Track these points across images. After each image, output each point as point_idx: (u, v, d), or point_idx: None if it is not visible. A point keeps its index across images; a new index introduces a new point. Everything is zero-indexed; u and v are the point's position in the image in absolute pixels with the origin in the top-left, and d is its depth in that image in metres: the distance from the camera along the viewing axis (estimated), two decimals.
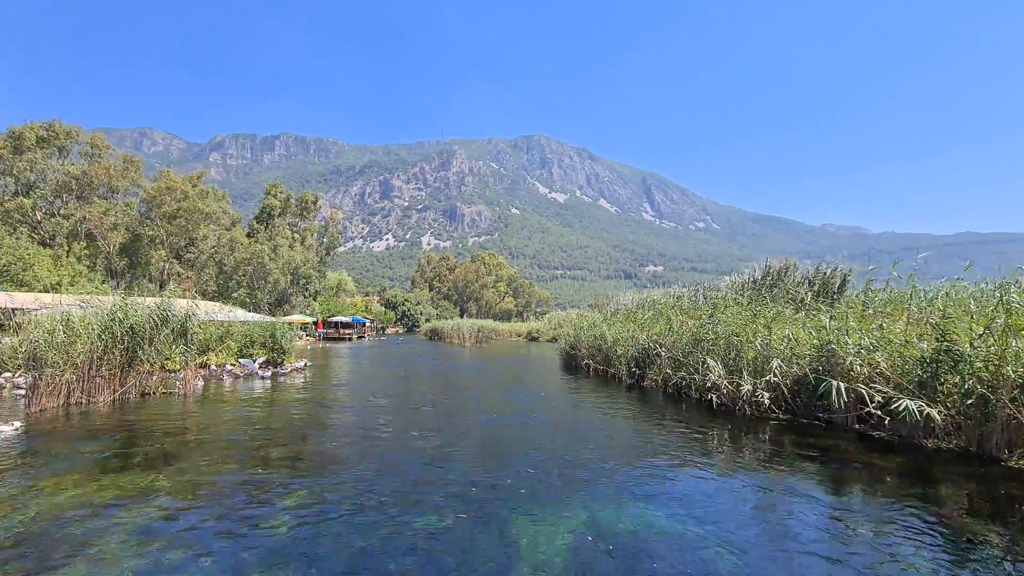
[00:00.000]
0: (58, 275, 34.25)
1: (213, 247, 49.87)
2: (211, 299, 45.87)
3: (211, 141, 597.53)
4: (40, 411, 11.20)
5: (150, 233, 45.85)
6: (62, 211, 40.96)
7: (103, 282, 39.47)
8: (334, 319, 61.05)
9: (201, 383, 15.94)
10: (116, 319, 12.85)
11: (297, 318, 52.49)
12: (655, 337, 17.33)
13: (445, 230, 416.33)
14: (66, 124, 42.04)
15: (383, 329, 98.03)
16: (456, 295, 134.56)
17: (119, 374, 13.10)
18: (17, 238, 36.25)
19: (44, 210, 40.87)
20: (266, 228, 55.89)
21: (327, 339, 57.37)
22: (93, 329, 12.27)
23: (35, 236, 39.70)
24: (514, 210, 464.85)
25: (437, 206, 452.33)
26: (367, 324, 76.12)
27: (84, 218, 40.42)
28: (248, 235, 56.76)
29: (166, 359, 15.46)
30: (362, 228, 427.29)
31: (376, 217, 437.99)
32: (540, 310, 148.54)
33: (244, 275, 49.97)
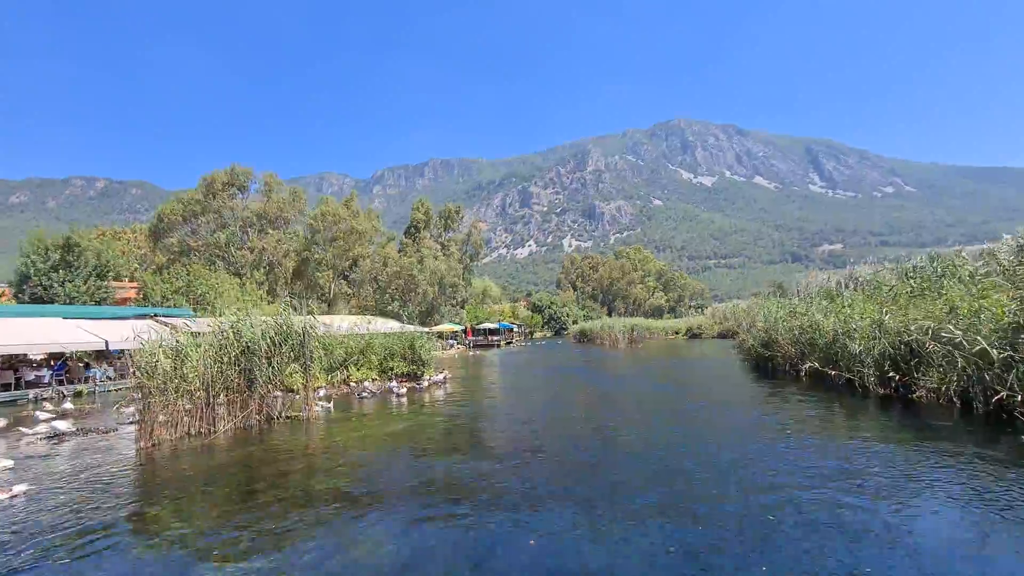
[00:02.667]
0: (243, 301, 38.06)
1: (370, 267, 52.79)
2: (370, 315, 48.22)
3: (374, 176, 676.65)
4: (152, 446, 10.00)
5: (316, 256, 49.94)
6: (247, 244, 46.33)
7: (276, 303, 43.55)
8: (482, 326, 61.01)
9: (330, 404, 14.34)
10: (229, 339, 11.49)
11: (446, 327, 53.08)
12: (932, 324, 11.29)
13: (585, 230, 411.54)
14: (243, 167, 47.81)
15: (531, 334, 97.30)
16: (602, 294, 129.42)
17: (239, 399, 11.74)
18: (215, 270, 41.35)
19: (234, 244, 46.61)
20: (413, 242, 57.95)
21: (476, 346, 57.33)
22: (205, 351, 10.98)
23: (229, 269, 45.33)
24: (656, 201, 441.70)
25: (576, 207, 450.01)
26: (514, 329, 75.47)
27: (263, 248, 45.18)
28: (400, 252, 59.44)
29: (289, 380, 14.06)
30: (505, 237, 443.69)
31: (517, 225, 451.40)
32: (695, 304, 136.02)
33: (396, 289, 51.93)
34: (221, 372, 11.31)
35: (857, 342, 13.51)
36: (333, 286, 54.50)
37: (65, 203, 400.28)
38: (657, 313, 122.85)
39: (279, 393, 12.72)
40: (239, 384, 11.69)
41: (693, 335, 61.50)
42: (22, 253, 25.36)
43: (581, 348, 49.25)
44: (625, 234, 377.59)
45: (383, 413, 13.73)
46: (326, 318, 25.26)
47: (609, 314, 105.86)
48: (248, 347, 11.73)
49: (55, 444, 11.04)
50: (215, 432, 11.13)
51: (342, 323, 23.15)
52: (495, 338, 61.56)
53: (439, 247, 60.15)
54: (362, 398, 16.34)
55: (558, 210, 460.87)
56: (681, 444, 9.11)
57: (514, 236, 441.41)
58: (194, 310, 32.58)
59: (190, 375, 10.75)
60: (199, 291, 34.49)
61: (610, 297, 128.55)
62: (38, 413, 13.98)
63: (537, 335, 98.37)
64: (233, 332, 11.66)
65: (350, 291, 53.63)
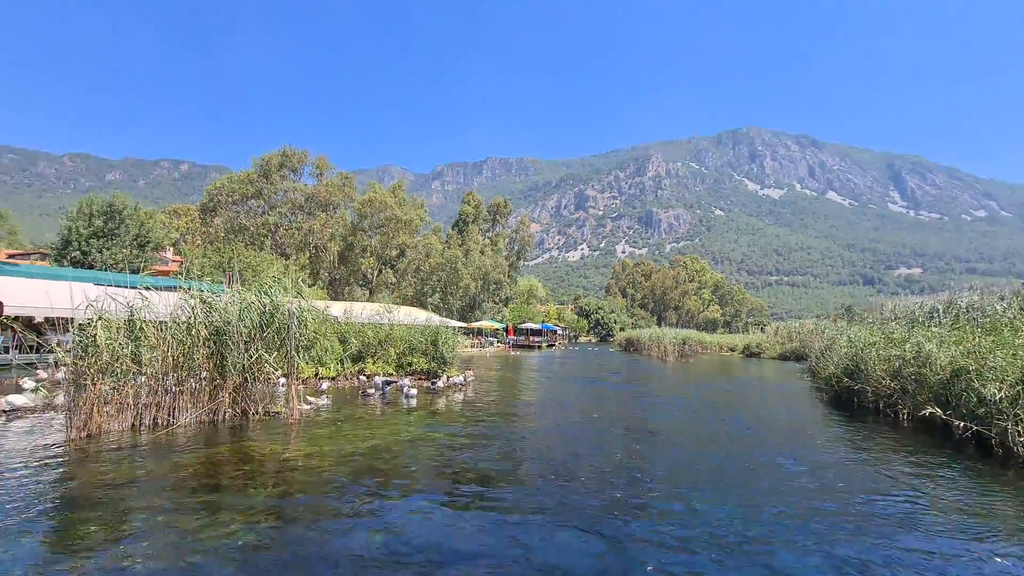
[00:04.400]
0: (284, 281, 37.58)
1: (412, 257, 51.77)
2: (408, 303, 47.05)
3: (433, 171, 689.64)
4: (87, 436, 8.31)
5: (362, 243, 49.35)
6: (295, 225, 46.28)
7: (317, 287, 43.03)
8: (524, 326, 58.77)
9: (324, 401, 12.44)
10: (195, 315, 9.75)
11: (486, 324, 51.20)
12: None
13: (640, 237, 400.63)
14: (296, 149, 47.79)
15: (575, 338, 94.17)
16: (653, 303, 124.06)
17: (208, 389, 9.99)
18: (260, 250, 41.28)
19: (284, 225, 46.68)
20: (459, 235, 56.48)
21: (517, 346, 55.11)
22: (162, 328, 9.26)
23: (276, 249, 45.35)
24: (717, 211, 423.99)
25: (632, 213, 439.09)
26: (558, 332, 72.76)
27: (310, 230, 44.91)
28: (446, 244, 58.20)
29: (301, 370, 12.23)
30: (558, 239, 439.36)
31: (571, 228, 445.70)
32: (752, 320, 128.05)
33: (439, 280, 50.58)
34: (184, 355, 9.58)
35: (995, 384, 10.12)
36: (376, 274, 53.88)
37: (153, 183, 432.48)
38: (710, 327, 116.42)
39: (259, 386, 10.86)
40: (208, 371, 9.93)
41: (751, 354, 56.48)
42: (67, 218, 25.63)
43: (626, 357, 45.93)
44: (681, 243, 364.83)
45: (376, 418, 11.66)
46: (343, 304, 23.85)
47: (659, 323, 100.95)
48: (220, 328, 9.95)
49: (5, 422, 9.69)
50: (173, 424, 9.41)
51: (363, 310, 21.52)
52: (537, 339, 59.16)
53: (487, 242, 58.43)
54: (366, 395, 14.41)
55: (613, 215, 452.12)
56: (762, 530, 6.40)
57: (567, 239, 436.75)
58: (229, 287, 32.20)
59: (145, 355, 9.04)
60: (236, 268, 34.12)
61: (661, 306, 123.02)
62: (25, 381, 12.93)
63: (582, 339, 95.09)
64: (201, 308, 9.90)
65: (394, 280, 52.84)
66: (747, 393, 21.13)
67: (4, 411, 10.04)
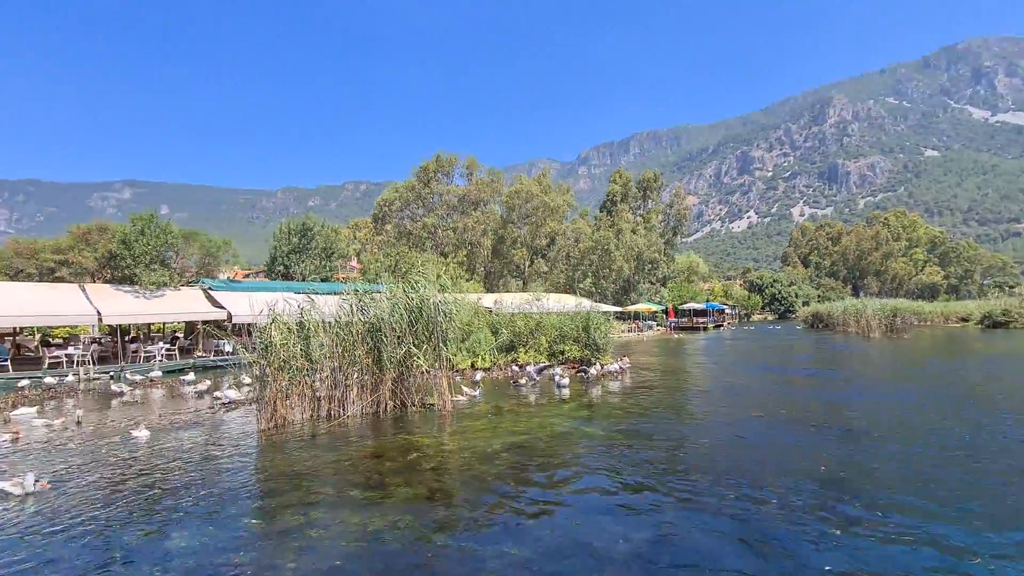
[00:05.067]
0: (444, 279, 40.37)
1: (562, 243, 51.58)
2: (561, 291, 47.02)
3: (579, 157, 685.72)
4: (273, 427, 9.34)
5: (512, 234, 50.69)
6: (451, 225, 49.42)
7: (473, 281, 45.29)
8: (686, 306, 54.61)
9: (475, 392, 12.51)
10: (353, 313, 10.38)
11: (643, 307, 48.68)
12: None
13: (823, 195, 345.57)
14: (448, 153, 50.90)
15: (747, 316, 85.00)
16: (845, 270, 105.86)
17: (370, 382, 10.62)
18: (423, 250, 44.96)
19: (441, 227, 50.22)
20: (608, 215, 54.52)
21: (679, 329, 51.48)
22: (328, 328, 10.02)
23: (436, 249, 49.02)
24: (929, 152, 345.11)
25: (810, 169, 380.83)
26: (726, 311, 66.33)
27: (464, 228, 47.54)
28: (595, 227, 56.82)
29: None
30: (719, 209, 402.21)
31: (735, 195, 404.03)
32: (989, 282, 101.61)
33: (590, 264, 49.55)
34: (347, 351, 10.29)
35: None
36: (528, 264, 54.97)
37: (342, 204, 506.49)
38: (929, 293, 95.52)
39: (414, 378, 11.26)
40: (368, 365, 10.55)
41: (993, 324, 44.38)
42: (274, 239, 30.95)
43: (814, 336, 39.60)
44: (879, 196, 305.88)
45: (527, 409, 11.29)
46: (494, 296, 24.29)
47: (855, 294, 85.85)
48: (374, 325, 10.48)
49: (226, 410, 11.56)
50: (343, 416, 10.18)
51: (512, 300, 21.65)
52: (701, 320, 54.62)
53: (638, 220, 55.52)
54: (518, 386, 14.24)
55: (786, 174, 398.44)
56: None
57: (730, 208, 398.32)
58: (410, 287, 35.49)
59: (315, 353, 9.89)
60: (403, 270, 37.48)
61: (856, 274, 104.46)
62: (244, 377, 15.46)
63: (755, 318, 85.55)
64: (358, 307, 10.52)
65: (546, 269, 53.27)
66: (1004, 377, 16.19)
67: (224, 403, 11.97)
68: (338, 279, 31.61)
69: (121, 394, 14.58)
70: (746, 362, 21.26)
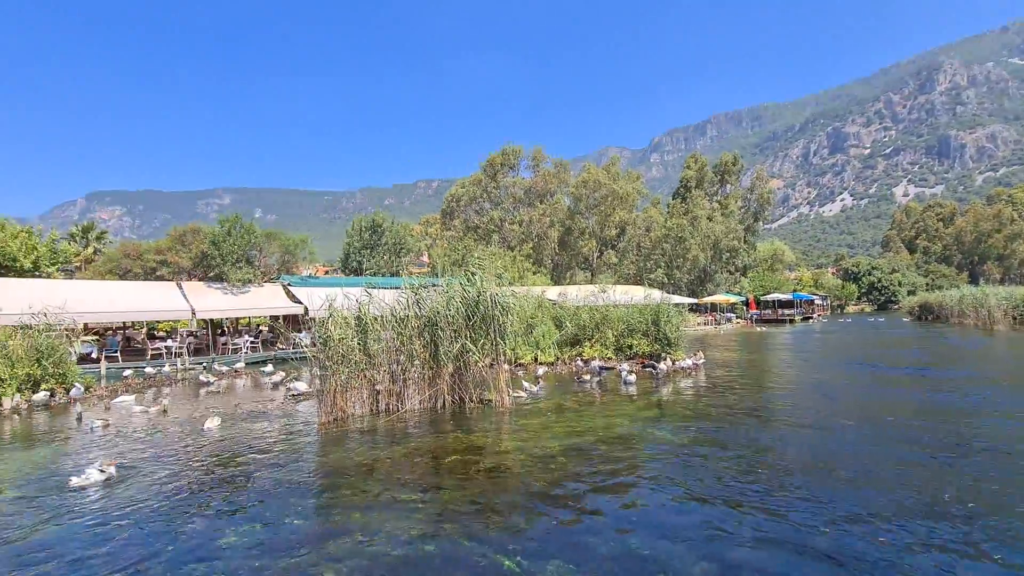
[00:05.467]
0: (511, 272, 40.22)
1: (632, 233, 49.74)
2: (631, 283, 45.40)
3: (651, 144, 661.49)
4: (333, 420, 9.41)
5: (580, 225, 49.61)
6: (517, 219, 49.19)
7: (541, 274, 44.74)
8: (770, 297, 50.80)
9: (537, 388, 12.01)
10: (409, 307, 10.23)
11: (720, 298, 45.87)
12: None
13: (931, 172, 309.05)
14: (515, 145, 50.59)
15: (840, 307, 77.89)
16: (960, 255, 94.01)
17: (428, 376, 10.46)
18: (489, 244, 45.11)
19: (508, 220, 50.15)
20: (682, 202, 51.76)
21: (762, 321, 48.00)
22: (383, 321, 9.94)
23: (503, 243, 49.03)
24: None
25: (915, 144, 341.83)
26: (815, 301, 61.11)
27: (530, 220, 47.13)
28: (668, 215, 54.33)
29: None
30: (807, 192, 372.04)
31: (826, 176, 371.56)
32: None
33: (663, 254, 47.40)
34: (403, 345, 10.18)
35: None
36: (597, 256, 53.58)
37: (415, 201, 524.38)
38: None
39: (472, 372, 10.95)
40: (426, 359, 10.39)
41: None
42: (347, 235, 32.34)
43: (922, 329, 35.26)
44: (1001, 171, 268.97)
45: (590, 407, 10.64)
46: (559, 288, 23.62)
47: (972, 281, 75.96)
48: (431, 319, 10.29)
49: (295, 401, 11.94)
50: (401, 410, 10.10)
51: (577, 292, 20.92)
52: (787, 312, 50.63)
53: (714, 206, 52.32)
54: (581, 382, 13.58)
55: (887, 150, 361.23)
56: None
57: (820, 190, 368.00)
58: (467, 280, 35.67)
59: (372, 346, 9.86)
60: (471, 263, 37.71)
61: (973, 259, 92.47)
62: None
63: (850, 309, 78.31)
64: (414, 301, 10.37)
65: (616, 260, 51.70)
66: None
67: (293, 395, 12.36)
68: (409, 274, 32.54)
69: (208, 384, 15.58)
70: (840, 358, 19.08)
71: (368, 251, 31.73)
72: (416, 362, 10.37)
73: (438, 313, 10.29)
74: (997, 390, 12.15)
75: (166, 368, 18.35)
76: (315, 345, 9.56)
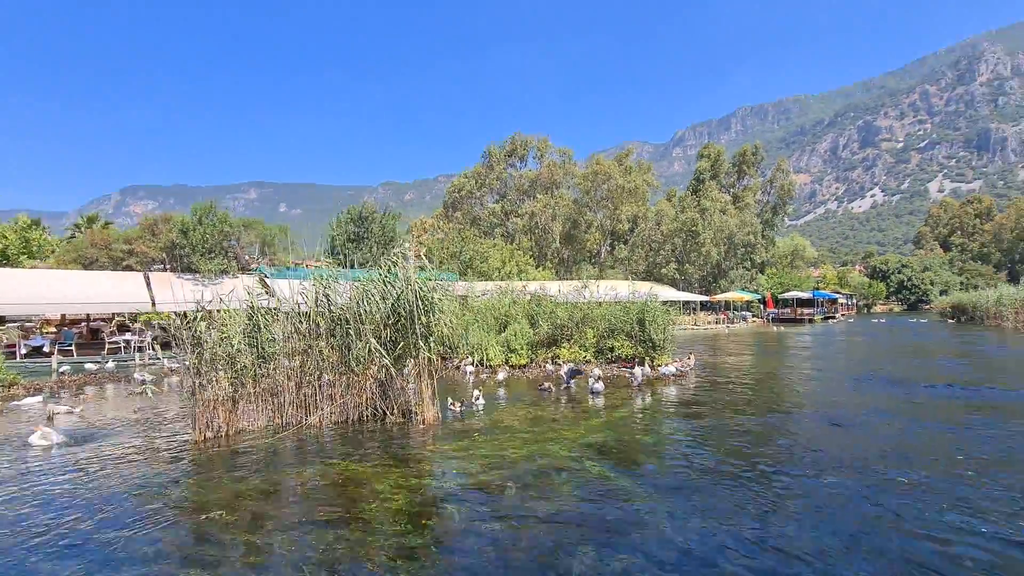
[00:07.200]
0: (510, 265, 38.45)
1: (642, 227, 47.42)
2: (641, 279, 43.18)
3: (673, 138, 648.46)
4: (207, 438, 7.81)
5: (587, 218, 47.49)
6: (521, 211, 47.29)
7: (543, 268, 42.80)
8: (788, 295, 47.94)
9: (479, 400, 10.22)
10: (317, 302, 8.60)
11: (734, 295, 43.30)
12: None
13: (969, 167, 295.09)
14: (523, 135, 48.61)
15: (867, 307, 74.04)
16: (999, 253, 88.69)
17: (342, 385, 8.82)
18: (492, 236, 43.37)
19: (513, 212, 48.29)
20: (695, 195, 49.06)
21: (779, 320, 45.27)
22: (290, 321, 8.34)
23: (507, 236, 47.22)
24: None
25: (952, 137, 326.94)
26: (839, 300, 57.86)
27: (532, 213, 45.19)
28: (680, 208, 51.76)
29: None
30: (836, 188, 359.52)
31: (856, 171, 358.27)
32: None
33: (674, 249, 44.97)
34: (310, 347, 8.56)
35: None
36: (608, 250, 51.34)
37: (436, 196, 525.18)
38: None
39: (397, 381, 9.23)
40: (335, 364, 8.73)
41: None
42: (330, 227, 31.00)
43: (957, 333, 32.26)
44: None
45: (533, 427, 8.83)
46: (537, 283, 21.81)
47: (1012, 281, 71.29)
48: (342, 316, 8.62)
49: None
50: (303, 424, 8.47)
51: (559, 288, 19.05)
52: (808, 311, 47.78)
53: (729, 199, 49.50)
54: (542, 390, 11.77)
55: (921, 144, 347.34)
56: None
57: (849, 186, 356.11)
58: (462, 274, 33.99)
59: (268, 349, 8.24)
60: (467, 256, 36.00)
61: (1015, 257, 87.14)
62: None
63: (878, 308, 74.41)
64: (322, 296, 8.71)
65: (626, 255, 49.40)
66: None
67: (50, 416, 10.32)
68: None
69: (145, 382, 14.28)
70: (861, 370, 16.59)
71: (354, 243, 30.29)
72: (324, 367, 8.72)
73: (348, 309, 8.61)
74: None
75: (110, 364, 17.17)
76: (179, 347, 7.87)
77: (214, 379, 7.78)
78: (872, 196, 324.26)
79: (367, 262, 29.81)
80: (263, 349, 8.25)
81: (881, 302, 75.89)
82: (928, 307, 68.94)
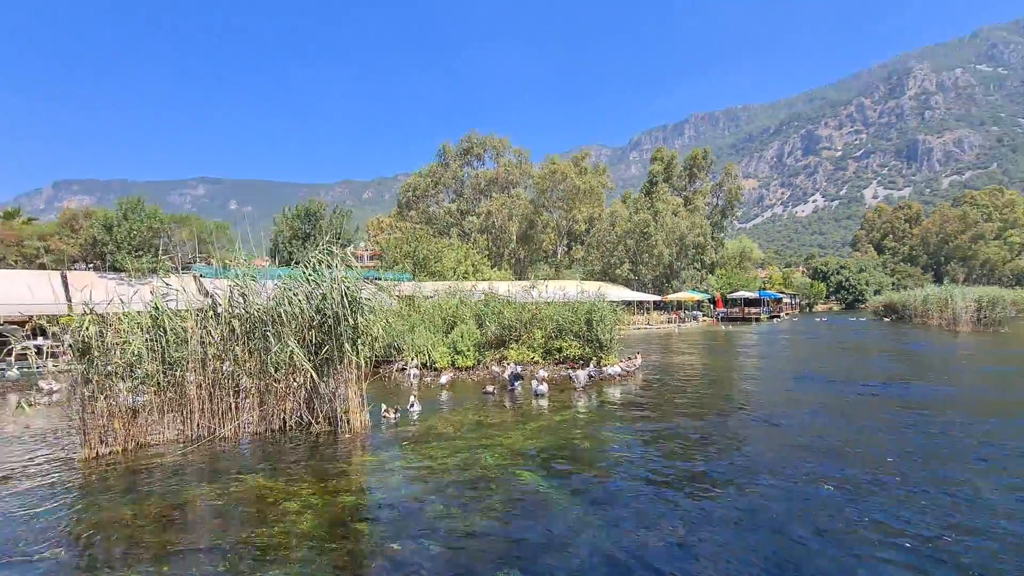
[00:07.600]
0: (465, 265, 37.87)
1: (598, 228, 47.89)
2: (596, 279, 43.55)
3: (630, 142, 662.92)
4: (99, 455, 7.00)
5: (543, 218, 47.52)
6: (477, 211, 46.83)
7: (497, 267, 42.49)
8: (736, 295, 49.53)
9: (415, 407, 9.72)
10: (231, 302, 7.90)
11: (685, 295, 44.35)
12: None
13: (900, 175, 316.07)
14: (479, 134, 48.12)
15: (809, 306, 77.70)
16: (926, 255, 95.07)
17: (255, 392, 8.13)
18: (448, 236, 42.66)
19: (467, 211, 47.74)
20: (648, 196, 50.01)
21: (728, 320, 46.69)
22: (185, 317, 7.58)
23: (463, 236, 46.63)
24: None
25: (885, 147, 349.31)
26: (784, 300, 60.29)
27: (488, 212, 44.83)
28: (634, 210, 52.64)
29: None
30: (782, 193, 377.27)
31: (799, 178, 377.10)
32: None
33: (627, 250, 45.62)
34: (223, 351, 7.84)
35: None
36: (565, 250, 51.58)
37: (395, 195, 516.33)
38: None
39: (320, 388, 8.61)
40: (251, 370, 8.05)
41: None
42: (275, 224, 29.58)
43: (889, 329, 34.12)
44: (967, 175, 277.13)
45: (467, 432, 8.45)
46: (486, 283, 21.52)
47: (937, 281, 76.56)
48: (259, 318, 7.95)
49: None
50: (214, 435, 7.75)
51: (508, 288, 18.76)
52: (754, 311, 49.42)
53: (680, 201, 50.73)
54: (486, 393, 11.38)
55: (857, 153, 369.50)
56: None
57: (793, 191, 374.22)
58: (414, 274, 33.17)
59: (173, 354, 7.48)
60: (421, 255, 35.20)
61: (939, 260, 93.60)
62: None
63: (819, 308, 78.22)
64: (238, 296, 8.02)
65: (581, 255, 49.77)
66: None
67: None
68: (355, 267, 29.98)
69: (53, 392, 12.99)
70: (800, 368, 17.10)
71: (299, 241, 28.97)
72: (241, 373, 8.01)
73: (267, 310, 7.95)
74: (985, 413, 10.35)
75: (12, 372, 15.60)
76: (66, 353, 7.04)
77: (108, 388, 6.96)
78: (814, 201, 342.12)
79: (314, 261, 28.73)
80: (168, 354, 7.48)
81: (822, 301, 79.81)
82: (864, 306, 72.99)
